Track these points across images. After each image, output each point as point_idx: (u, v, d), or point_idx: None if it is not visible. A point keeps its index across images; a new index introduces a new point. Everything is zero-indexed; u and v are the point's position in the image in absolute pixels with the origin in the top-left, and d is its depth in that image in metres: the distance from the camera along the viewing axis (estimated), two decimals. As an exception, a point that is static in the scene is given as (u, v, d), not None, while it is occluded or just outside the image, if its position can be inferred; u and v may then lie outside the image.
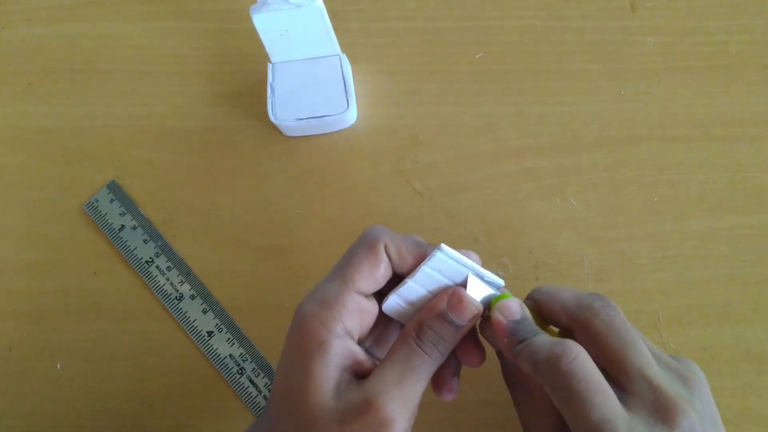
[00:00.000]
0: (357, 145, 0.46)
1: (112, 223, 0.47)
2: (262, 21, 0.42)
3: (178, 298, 0.45)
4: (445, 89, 0.47)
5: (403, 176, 0.45)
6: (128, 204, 0.47)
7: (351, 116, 0.46)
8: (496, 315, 0.32)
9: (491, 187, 0.45)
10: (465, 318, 0.32)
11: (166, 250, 0.46)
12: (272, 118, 0.45)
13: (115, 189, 0.47)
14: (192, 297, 0.45)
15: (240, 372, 0.43)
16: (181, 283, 0.45)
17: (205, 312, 0.44)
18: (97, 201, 0.47)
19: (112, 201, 0.47)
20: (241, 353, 0.43)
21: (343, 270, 0.33)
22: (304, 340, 0.32)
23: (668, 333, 0.41)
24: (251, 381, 0.43)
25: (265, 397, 0.42)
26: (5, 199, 0.47)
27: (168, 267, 0.45)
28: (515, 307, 0.32)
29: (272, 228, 0.45)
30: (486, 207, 0.44)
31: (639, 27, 0.47)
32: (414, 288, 0.33)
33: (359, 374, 0.32)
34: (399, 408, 0.30)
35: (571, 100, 0.46)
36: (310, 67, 0.45)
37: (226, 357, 0.44)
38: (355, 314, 0.33)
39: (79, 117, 0.49)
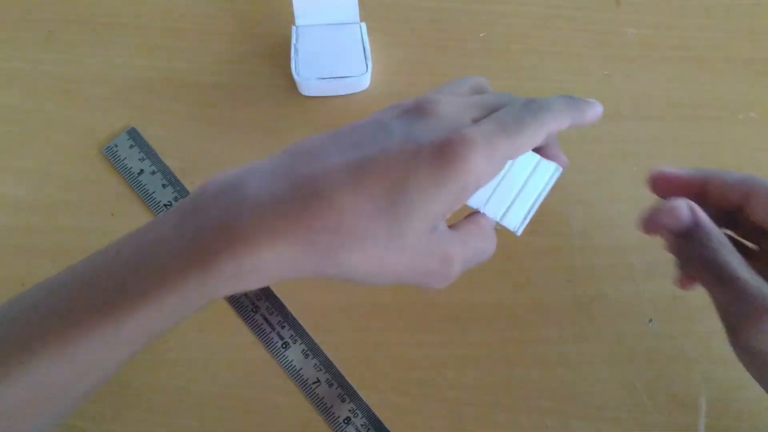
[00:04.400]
0: (370, 108, 0.50)
1: (131, 167, 0.49)
2: None
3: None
4: (452, 62, 0.52)
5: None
6: (147, 150, 0.49)
7: (367, 79, 0.50)
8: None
9: (490, 151, 0.50)
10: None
11: (184, 194, 0.48)
12: (295, 76, 0.48)
13: (135, 135, 0.49)
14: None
15: (254, 310, 0.46)
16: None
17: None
18: (116, 146, 0.49)
19: (131, 147, 0.49)
20: (256, 293, 0.46)
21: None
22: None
23: (642, 281, 0.46)
24: (265, 318, 0.46)
25: (282, 341, 0.45)
26: (22, 140, 0.49)
27: (186, 211, 0.48)
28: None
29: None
30: (485, 170, 0.49)
31: (622, 19, 0.53)
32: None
33: None
34: (460, 268, 0.33)
35: (563, 78, 0.51)
36: (332, 32, 0.49)
37: (240, 296, 0.46)
38: None
39: (100, 66, 0.51)
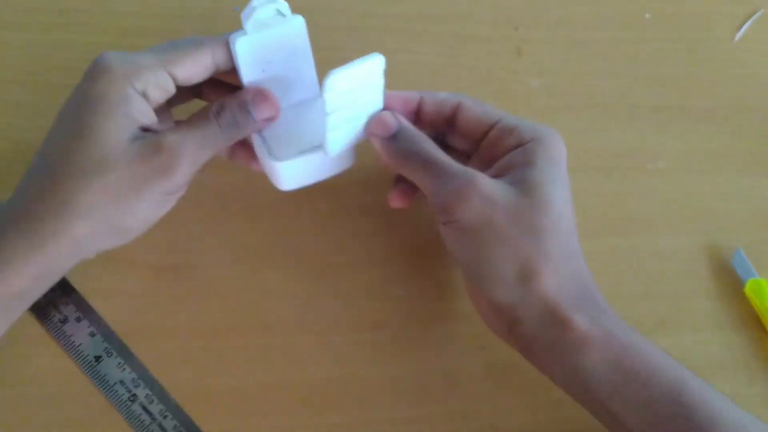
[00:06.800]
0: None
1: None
2: (244, 47, 0.36)
3: (61, 320, 0.41)
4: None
5: (308, 195, 0.45)
6: None
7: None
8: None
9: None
10: (262, 116, 0.37)
11: None
12: None
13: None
14: (78, 319, 0.42)
15: (132, 399, 0.40)
16: (66, 304, 0.42)
17: (92, 335, 0.41)
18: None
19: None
20: (134, 378, 0.41)
21: (163, 51, 0.35)
22: (104, 90, 0.33)
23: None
24: (144, 408, 0.40)
25: (159, 425, 0.40)
26: None
27: (48, 286, 0.42)
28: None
29: (168, 245, 0.43)
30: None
31: (525, 69, 0.51)
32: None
33: None
34: (188, 158, 0.35)
35: (466, 130, 0.49)
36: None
37: (116, 383, 0.40)
38: (160, 91, 0.35)
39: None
